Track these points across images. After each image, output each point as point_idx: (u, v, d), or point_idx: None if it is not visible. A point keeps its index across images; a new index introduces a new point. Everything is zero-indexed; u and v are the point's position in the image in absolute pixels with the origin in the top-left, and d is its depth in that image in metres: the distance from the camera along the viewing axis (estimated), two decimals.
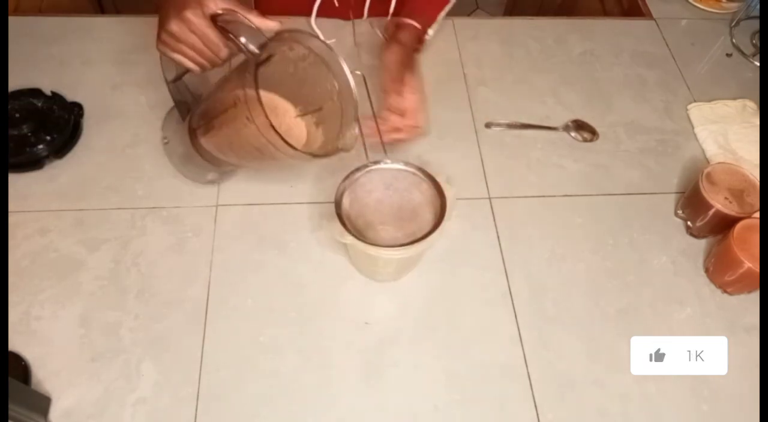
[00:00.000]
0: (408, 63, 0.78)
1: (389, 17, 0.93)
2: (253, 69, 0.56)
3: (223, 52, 0.60)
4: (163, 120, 0.79)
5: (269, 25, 0.59)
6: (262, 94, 0.56)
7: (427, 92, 0.90)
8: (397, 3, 0.92)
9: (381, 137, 0.71)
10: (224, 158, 0.69)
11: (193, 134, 0.69)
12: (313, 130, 0.68)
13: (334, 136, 0.65)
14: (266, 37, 0.58)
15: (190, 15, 0.57)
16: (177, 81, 0.68)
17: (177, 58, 0.61)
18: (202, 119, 0.67)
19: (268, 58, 0.62)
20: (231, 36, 0.57)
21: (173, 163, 0.77)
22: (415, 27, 0.79)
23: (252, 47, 0.57)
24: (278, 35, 0.59)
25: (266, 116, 0.55)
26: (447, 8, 0.87)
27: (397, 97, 0.74)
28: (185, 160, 0.75)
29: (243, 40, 0.57)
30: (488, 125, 0.87)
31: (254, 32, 0.58)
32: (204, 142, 0.68)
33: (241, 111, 0.57)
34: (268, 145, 0.58)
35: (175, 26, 0.58)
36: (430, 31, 0.84)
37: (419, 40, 0.81)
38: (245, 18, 0.58)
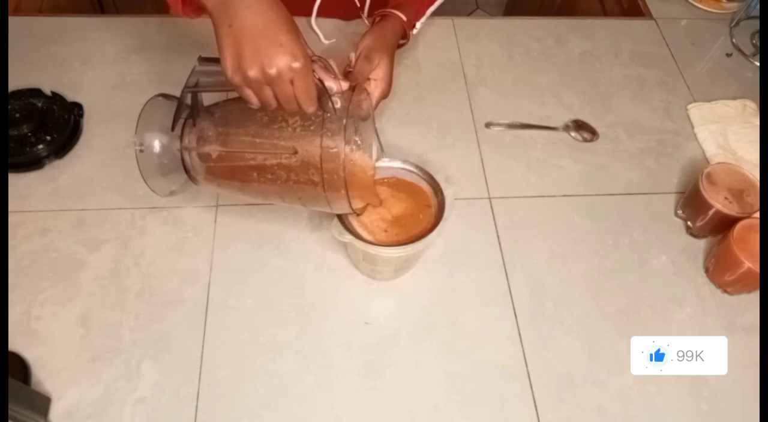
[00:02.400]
0: (382, 49, 0.74)
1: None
2: (342, 131, 0.50)
3: (313, 108, 0.54)
4: (138, 119, 0.65)
5: (341, 85, 0.55)
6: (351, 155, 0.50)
7: (427, 92, 0.91)
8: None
9: (377, 134, 0.70)
10: (227, 193, 0.63)
11: (193, 157, 0.61)
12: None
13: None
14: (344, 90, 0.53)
15: (298, 65, 0.50)
16: (197, 92, 0.59)
17: (251, 97, 0.54)
18: (223, 154, 0.58)
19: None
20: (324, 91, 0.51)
21: (141, 170, 0.64)
22: (401, 19, 0.79)
23: (338, 106, 0.51)
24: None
25: (347, 194, 0.51)
26: (437, 4, 0.86)
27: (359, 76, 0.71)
28: (157, 173, 0.65)
29: (335, 100, 0.51)
30: (488, 125, 0.87)
31: (338, 86, 0.53)
32: (214, 176, 0.61)
33: (305, 170, 0.51)
34: (325, 204, 0.53)
35: (273, 70, 0.50)
36: (418, 25, 0.83)
37: (404, 33, 0.81)
38: (332, 68, 0.53)
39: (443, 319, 0.69)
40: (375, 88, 0.73)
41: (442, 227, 0.62)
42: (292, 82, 0.52)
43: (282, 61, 0.51)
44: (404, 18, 0.79)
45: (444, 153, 0.83)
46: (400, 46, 0.81)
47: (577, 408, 0.64)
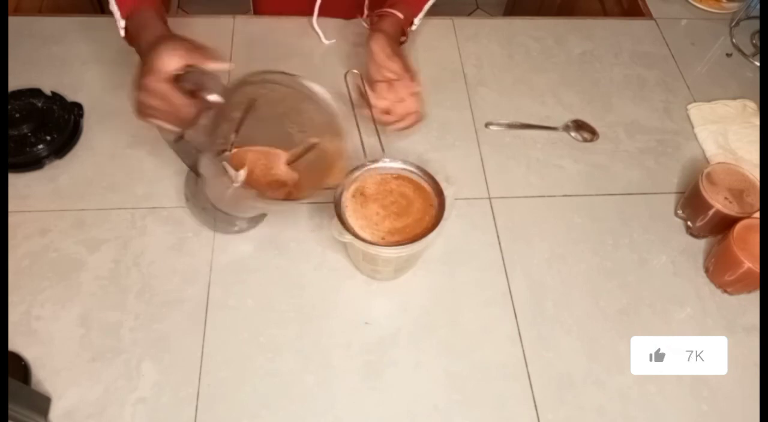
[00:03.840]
0: (395, 50, 0.76)
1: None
2: (215, 131, 0.56)
3: (193, 109, 0.59)
4: (184, 179, 0.75)
5: (222, 66, 0.59)
6: (246, 149, 0.56)
7: (426, 92, 0.90)
8: None
9: (378, 134, 0.71)
10: (239, 214, 0.70)
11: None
12: (303, 169, 0.67)
13: (323, 173, 0.63)
14: (223, 84, 0.57)
15: (151, 82, 0.57)
16: (179, 141, 0.65)
17: (156, 122, 0.60)
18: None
19: (252, 105, 0.61)
20: (197, 92, 0.57)
21: (197, 218, 0.73)
22: (398, 17, 0.79)
23: (215, 98, 0.56)
24: (249, 78, 0.58)
25: (232, 181, 0.55)
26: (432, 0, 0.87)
27: (385, 84, 0.74)
28: (208, 215, 0.72)
29: (208, 95, 0.56)
30: (488, 125, 0.87)
31: (214, 81, 0.57)
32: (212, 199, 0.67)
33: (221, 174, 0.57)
34: (255, 203, 0.58)
35: (141, 96, 0.58)
36: (416, 21, 0.84)
37: (402, 30, 0.81)
38: (201, 69, 0.57)
39: (443, 319, 0.69)
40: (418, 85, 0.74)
41: (442, 227, 0.62)
42: (159, 99, 0.58)
43: (138, 87, 0.58)
44: (401, 16, 0.79)
45: (444, 153, 0.83)
46: (400, 44, 0.81)
47: (577, 408, 0.64)
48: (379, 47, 0.75)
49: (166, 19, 0.70)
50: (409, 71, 0.75)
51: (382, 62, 0.74)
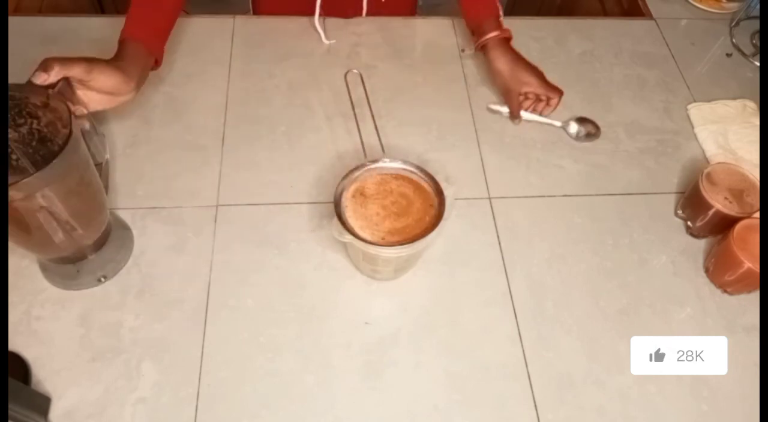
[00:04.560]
0: (517, 60, 0.86)
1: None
2: None
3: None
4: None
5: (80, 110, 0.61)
6: None
7: (427, 92, 0.91)
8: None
9: (378, 133, 0.71)
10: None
11: None
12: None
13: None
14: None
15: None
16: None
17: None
18: None
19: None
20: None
21: None
22: (493, 36, 0.86)
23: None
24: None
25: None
26: None
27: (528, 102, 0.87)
28: None
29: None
30: (489, 110, 0.88)
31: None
32: None
33: None
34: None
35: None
36: (501, 14, 0.89)
37: (503, 34, 0.87)
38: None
39: (443, 319, 0.69)
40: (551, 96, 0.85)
41: (442, 227, 0.62)
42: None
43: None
44: (494, 34, 0.86)
45: (444, 153, 0.83)
46: (507, 40, 0.88)
47: (577, 408, 0.64)
48: (502, 65, 0.86)
49: (161, 52, 0.75)
50: (549, 89, 0.85)
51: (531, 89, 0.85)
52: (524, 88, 0.85)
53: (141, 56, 0.71)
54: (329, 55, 0.94)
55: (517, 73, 0.85)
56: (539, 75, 0.86)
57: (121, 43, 0.71)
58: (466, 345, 0.67)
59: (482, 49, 0.88)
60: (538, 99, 0.86)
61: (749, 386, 0.66)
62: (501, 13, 0.89)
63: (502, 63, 0.86)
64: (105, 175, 0.70)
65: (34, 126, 0.60)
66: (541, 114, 0.87)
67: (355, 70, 0.78)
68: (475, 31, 0.89)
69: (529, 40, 1.00)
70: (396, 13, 1.01)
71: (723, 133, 0.88)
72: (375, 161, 0.66)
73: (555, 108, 0.87)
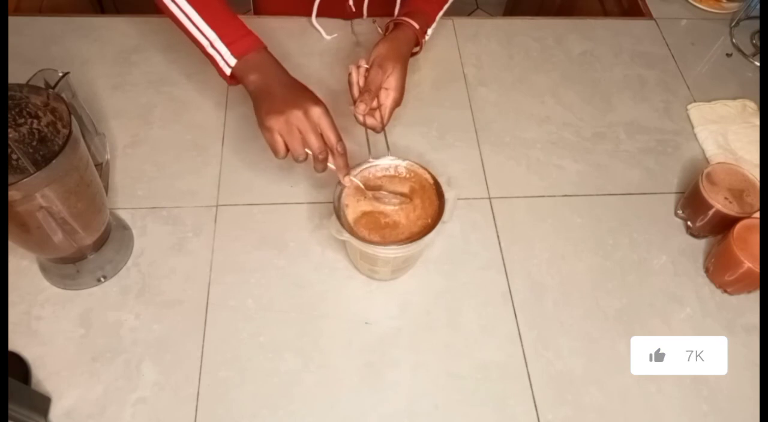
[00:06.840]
0: (396, 58, 0.74)
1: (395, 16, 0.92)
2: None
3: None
4: None
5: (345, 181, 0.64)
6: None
7: (427, 92, 0.91)
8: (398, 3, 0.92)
9: (384, 132, 0.71)
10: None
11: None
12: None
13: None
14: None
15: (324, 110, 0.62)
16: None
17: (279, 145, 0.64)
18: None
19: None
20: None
21: None
22: (414, 27, 0.79)
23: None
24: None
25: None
26: (445, 7, 0.86)
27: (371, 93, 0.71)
28: None
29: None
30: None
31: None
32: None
33: None
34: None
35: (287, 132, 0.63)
36: (429, 31, 0.83)
37: (416, 40, 0.80)
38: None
39: (443, 319, 0.69)
40: (387, 97, 0.73)
41: (441, 227, 0.62)
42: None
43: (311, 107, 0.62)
44: (417, 26, 0.78)
45: (444, 153, 0.83)
46: (413, 54, 0.80)
47: (577, 408, 0.64)
48: (378, 52, 0.74)
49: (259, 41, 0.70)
50: (390, 89, 0.73)
51: (372, 76, 0.72)
52: (386, 74, 0.73)
53: (267, 63, 0.68)
54: (330, 55, 0.94)
55: (392, 62, 0.74)
56: (402, 84, 0.74)
57: (246, 68, 0.67)
58: (466, 345, 0.67)
59: (395, 25, 0.79)
60: (375, 92, 0.71)
61: (749, 386, 0.66)
62: (437, 18, 0.84)
63: (391, 48, 0.75)
64: (105, 175, 0.70)
65: (34, 126, 0.60)
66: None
67: (363, 64, 0.75)
68: (407, 12, 0.81)
69: (529, 40, 1.00)
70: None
71: (723, 133, 0.88)
72: (376, 159, 0.66)
73: (385, 112, 0.73)
